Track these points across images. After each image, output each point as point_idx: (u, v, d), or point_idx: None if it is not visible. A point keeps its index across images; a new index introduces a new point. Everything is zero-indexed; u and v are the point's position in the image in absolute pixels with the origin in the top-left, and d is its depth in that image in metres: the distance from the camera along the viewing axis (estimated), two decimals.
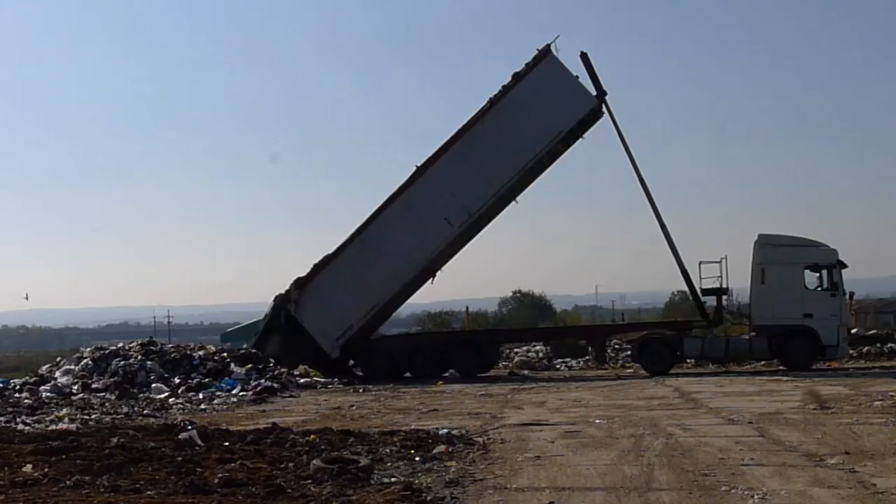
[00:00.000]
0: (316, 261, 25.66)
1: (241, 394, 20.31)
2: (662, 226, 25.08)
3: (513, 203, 25.75)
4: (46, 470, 8.95)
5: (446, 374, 24.74)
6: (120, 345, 25.49)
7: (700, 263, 24.80)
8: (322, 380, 23.84)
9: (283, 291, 25.74)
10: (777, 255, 23.96)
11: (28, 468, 9.07)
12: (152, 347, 24.46)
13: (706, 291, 24.89)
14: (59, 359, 26.07)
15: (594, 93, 24.78)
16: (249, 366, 23.55)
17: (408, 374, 25.01)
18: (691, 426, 12.23)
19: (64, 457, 9.69)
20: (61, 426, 14.51)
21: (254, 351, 25.14)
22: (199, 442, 10.79)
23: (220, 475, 8.52)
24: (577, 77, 24.76)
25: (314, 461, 9.15)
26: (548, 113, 24.74)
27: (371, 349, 25.86)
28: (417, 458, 9.86)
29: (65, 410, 17.24)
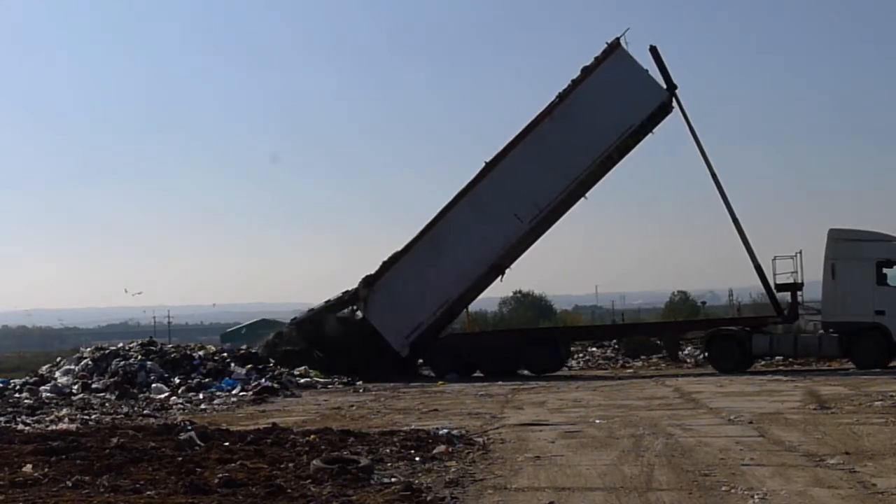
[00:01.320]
0: (385, 258, 25.59)
1: (241, 394, 20.32)
2: (735, 221, 24.47)
3: (583, 199, 25.45)
4: (46, 470, 8.95)
5: (517, 373, 24.45)
6: (120, 345, 25.50)
7: (774, 259, 24.26)
8: (322, 380, 23.83)
9: (352, 289, 25.72)
10: (849, 250, 23.20)
11: (28, 468, 9.07)
12: (152, 347, 24.46)
13: (780, 287, 24.28)
14: (59, 359, 26.08)
15: (664, 86, 24.35)
16: (249, 366, 23.56)
17: (478, 373, 24.73)
18: (691, 426, 12.22)
19: (64, 457, 9.69)
20: (61, 426, 14.51)
21: (294, 350, 25.22)
22: (199, 442, 10.79)
23: (220, 475, 8.52)
24: (647, 71, 24.42)
25: (314, 461, 9.15)
26: (617, 107, 24.49)
27: (440, 347, 25.64)
28: (417, 458, 9.86)
29: (65, 410, 17.24)
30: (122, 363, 22.74)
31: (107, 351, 24.30)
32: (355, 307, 25.97)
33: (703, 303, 54.76)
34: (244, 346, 28.30)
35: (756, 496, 7.54)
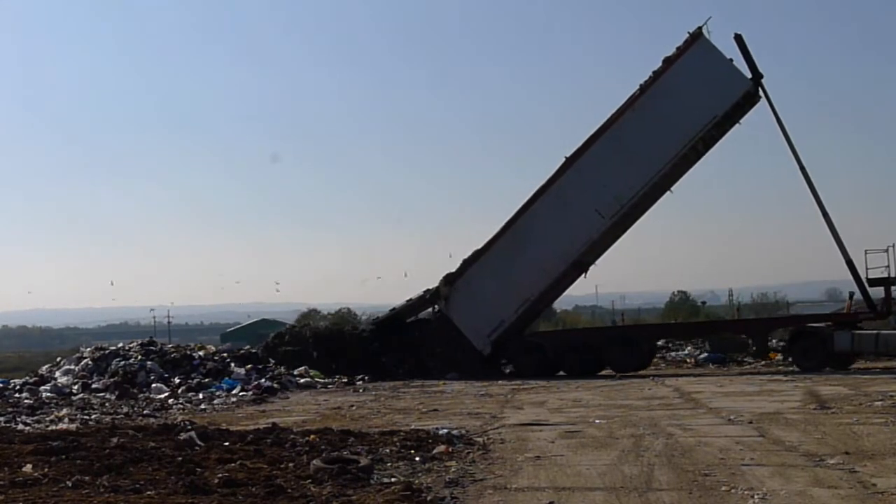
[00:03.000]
0: (466, 256, 25.50)
1: (241, 394, 20.33)
2: (825, 214, 23.79)
3: (668, 193, 25.05)
4: (46, 470, 8.94)
5: (601, 372, 24.11)
6: (120, 345, 25.54)
7: (866, 252, 23.52)
8: (322, 380, 23.85)
9: (433, 287, 25.63)
10: None
11: (28, 468, 9.07)
12: (152, 347, 24.51)
13: (873, 281, 23.52)
14: (59, 359, 26.11)
15: (749, 76, 23.69)
16: (249, 366, 23.59)
17: (561, 373, 24.42)
18: (691, 426, 12.22)
19: (64, 457, 9.69)
20: (61, 426, 14.52)
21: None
22: (199, 442, 10.79)
23: (220, 475, 8.52)
24: (732, 60, 23.86)
25: (314, 461, 9.14)
26: (700, 97, 23.99)
27: (524, 346, 25.28)
28: (417, 458, 9.85)
29: (65, 410, 17.25)
30: (122, 363, 22.77)
31: (107, 351, 24.34)
32: (437, 306, 25.75)
33: (704, 303, 54.77)
34: (245, 347, 28.36)
35: (756, 496, 7.53)
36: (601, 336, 27.09)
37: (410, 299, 26.68)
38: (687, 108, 23.92)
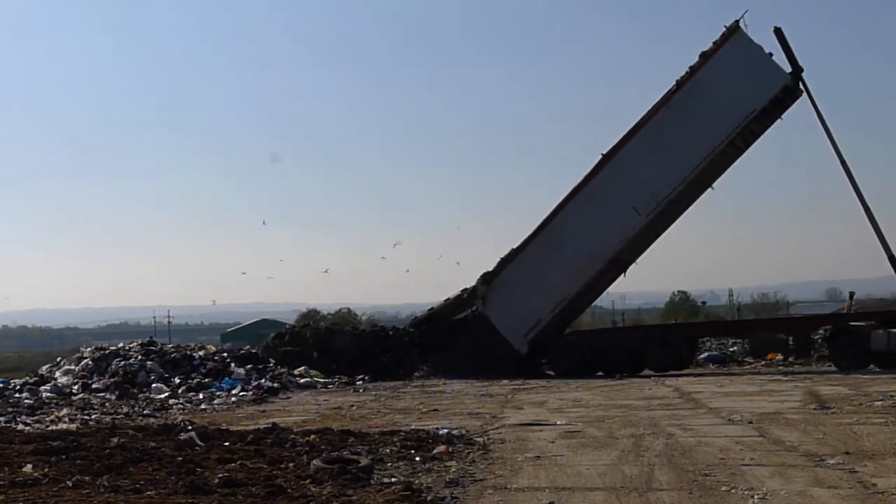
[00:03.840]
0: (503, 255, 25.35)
1: (241, 394, 20.33)
2: (867, 209, 23.40)
3: (709, 190, 24.77)
4: (46, 470, 8.94)
5: (640, 373, 23.88)
6: (120, 345, 25.53)
7: None
8: (322, 380, 23.86)
9: (470, 286, 25.50)
10: None
11: (28, 468, 9.06)
12: (152, 347, 24.51)
13: None
14: (59, 359, 26.11)
15: (788, 69, 23.15)
16: (249, 366, 23.60)
17: (600, 373, 24.15)
18: (691, 426, 12.22)
19: (64, 457, 9.68)
20: (61, 426, 14.52)
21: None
22: (199, 442, 10.79)
23: (220, 475, 8.51)
24: (771, 54, 23.29)
25: (314, 461, 9.14)
26: (737, 93, 23.40)
27: (562, 345, 25.07)
28: (417, 458, 9.85)
29: (65, 410, 17.25)
30: (122, 363, 22.77)
31: (107, 351, 24.33)
32: (475, 306, 25.64)
33: (704, 303, 54.87)
34: (245, 347, 28.37)
35: (756, 496, 7.53)
36: (639, 335, 26.70)
37: (448, 298, 26.60)
38: (724, 104, 23.48)
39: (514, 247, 25.25)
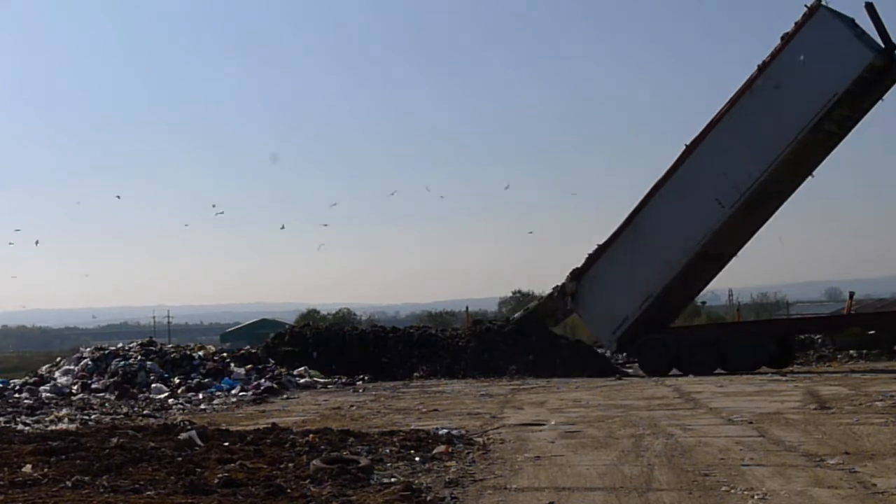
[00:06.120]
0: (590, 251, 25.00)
1: (241, 394, 20.33)
2: None
3: (810, 178, 23.69)
4: (46, 470, 8.94)
5: (720, 371, 23.21)
6: (120, 345, 25.53)
7: None
8: (322, 380, 23.87)
9: (560, 284, 25.27)
10: None
11: (28, 468, 9.06)
12: (152, 347, 24.51)
13: None
14: (59, 359, 26.12)
15: (880, 47, 21.44)
16: (249, 366, 23.60)
17: (676, 371, 23.67)
18: (691, 426, 12.22)
19: (64, 457, 9.68)
20: (61, 426, 14.51)
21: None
22: (199, 442, 10.79)
23: (220, 475, 8.51)
24: (862, 32, 21.79)
25: (314, 461, 9.14)
26: (819, 76, 21.95)
27: (646, 343, 24.42)
28: (417, 458, 9.85)
29: (65, 410, 17.25)
30: (122, 363, 22.76)
31: (107, 351, 24.33)
32: (566, 304, 25.34)
33: (704, 303, 54.70)
34: (245, 347, 28.38)
35: (756, 496, 7.53)
36: (725, 332, 26.05)
37: (541, 298, 26.43)
38: (805, 89, 22.03)
39: (601, 242, 24.75)
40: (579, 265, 25.07)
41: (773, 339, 24.45)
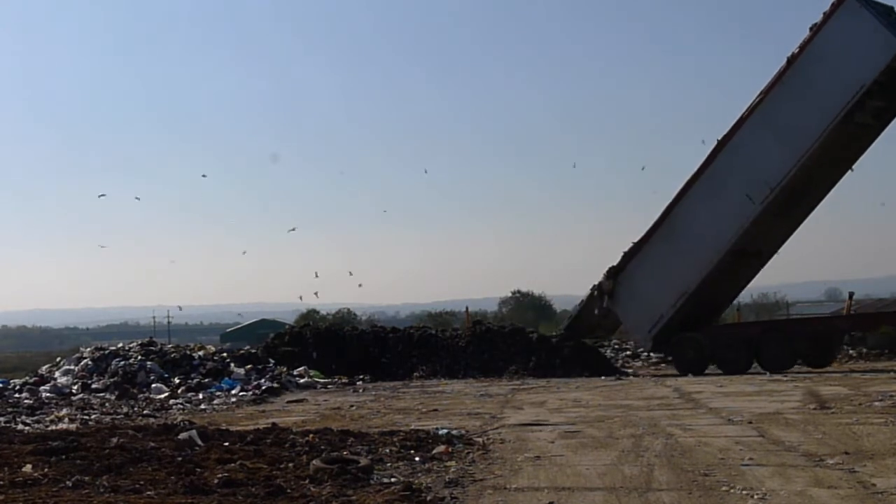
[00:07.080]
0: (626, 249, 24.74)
1: (240, 394, 20.33)
2: None
3: (849, 172, 23.22)
4: (46, 470, 8.94)
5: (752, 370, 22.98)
6: (120, 345, 25.52)
7: None
8: (322, 380, 23.86)
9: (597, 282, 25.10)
10: None
11: (28, 468, 9.06)
12: (152, 347, 24.50)
13: None
14: (59, 359, 26.11)
15: None
16: (249, 366, 23.60)
17: (707, 371, 23.38)
18: (691, 426, 12.22)
19: (64, 457, 9.68)
20: (61, 426, 14.52)
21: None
22: (199, 442, 10.79)
23: (220, 475, 8.51)
24: (891, 19, 21.02)
25: (314, 461, 9.14)
26: (847, 67, 21.35)
27: (681, 341, 24.07)
28: (417, 459, 9.86)
29: (65, 410, 17.25)
30: (122, 363, 22.76)
31: (107, 351, 24.32)
32: (603, 302, 25.09)
33: None
34: (245, 347, 28.38)
35: (756, 496, 7.54)
36: (758, 330, 25.56)
37: (583, 300, 26.23)
38: (834, 80, 21.52)
39: (636, 240, 24.51)
40: (615, 263, 24.81)
41: (807, 338, 24.00)
